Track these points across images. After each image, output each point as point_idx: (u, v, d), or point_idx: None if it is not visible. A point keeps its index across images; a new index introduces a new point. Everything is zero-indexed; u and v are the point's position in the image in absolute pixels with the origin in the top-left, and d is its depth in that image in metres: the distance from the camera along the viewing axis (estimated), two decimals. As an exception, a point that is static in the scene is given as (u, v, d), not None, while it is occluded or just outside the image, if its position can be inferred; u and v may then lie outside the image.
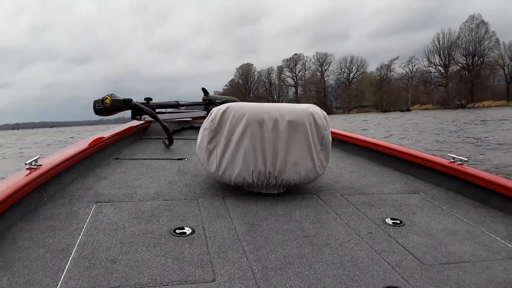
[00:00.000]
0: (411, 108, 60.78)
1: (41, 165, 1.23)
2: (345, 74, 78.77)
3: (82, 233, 1.00)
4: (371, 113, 59.68)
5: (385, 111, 62.90)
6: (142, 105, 2.19)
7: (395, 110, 62.31)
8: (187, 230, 1.05)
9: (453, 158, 1.54)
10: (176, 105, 2.57)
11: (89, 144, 1.62)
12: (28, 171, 1.17)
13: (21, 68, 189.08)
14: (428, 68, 64.07)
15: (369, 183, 1.57)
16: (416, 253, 1.00)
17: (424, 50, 64.01)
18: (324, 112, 1.40)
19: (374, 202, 1.35)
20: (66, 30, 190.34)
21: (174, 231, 1.04)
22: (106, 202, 1.22)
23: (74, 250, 0.92)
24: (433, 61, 63.27)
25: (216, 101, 2.65)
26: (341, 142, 2.17)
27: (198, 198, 1.31)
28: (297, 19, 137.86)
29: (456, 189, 1.49)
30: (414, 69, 65.87)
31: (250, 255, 0.94)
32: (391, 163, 1.82)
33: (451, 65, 61.75)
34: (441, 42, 61.86)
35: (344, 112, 71.22)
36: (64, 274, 0.82)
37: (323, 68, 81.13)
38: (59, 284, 0.78)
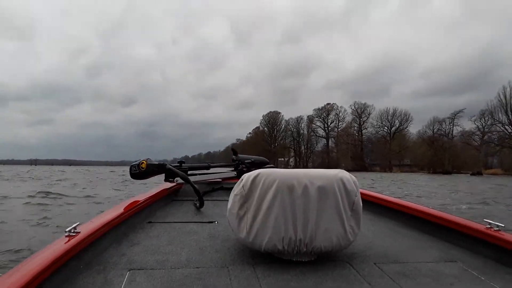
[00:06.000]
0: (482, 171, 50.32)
1: (79, 232, 1.28)
2: (386, 128, 69.74)
3: None
4: (422, 174, 49.10)
5: (445, 172, 52.55)
6: (176, 169, 2.34)
7: (459, 172, 51.88)
8: None
9: (489, 224, 1.46)
10: (207, 167, 2.78)
11: (124, 209, 1.70)
12: (67, 239, 1.22)
13: (67, 106, 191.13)
14: (494, 126, 54.00)
15: (403, 249, 1.51)
16: None
17: (487, 105, 54.36)
18: (354, 177, 1.38)
19: (409, 272, 1.28)
20: (120, 72, 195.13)
21: None
22: (139, 269, 1.25)
23: None
24: (498, 118, 53.35)
25: (246, 161, 2.80)
26: (371, 204, 2.14)
27: (228, 266, 1.30)
28: (342, 74, 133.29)
29: (495, 257, 1.40)
30: (488, 123, 54.93)
31: None
32: (423, 227, 1.75)
33: (521, 123, 51.38)
34: (507, 97, 52.39)
35: (385, 170, 60.93)
36: None
37: (361, 119, 72.70)
38: None
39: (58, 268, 1.07)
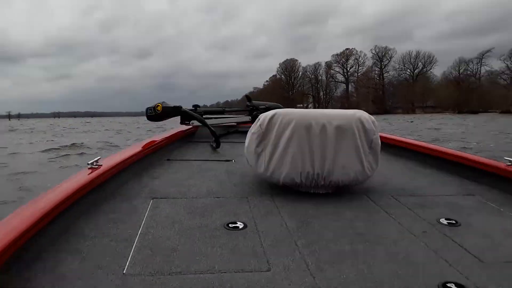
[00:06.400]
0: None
1: (101, 165, 1.31)
2: (409, 71, 67.23)
3: (142, 225, 1.07)
4: (451, 114, 48.15)
5: (472, 112, 51.02)
6: (191, 112, 2.39)
7: (486, 111, 50.57)
8: (240, 225, 1.08)
9: (510, 161, 1.47)
10: (222, 111, 2.84)
11: (142, 147, 1.74)
12: (90, 170, 1.26)
13: (83, 61, 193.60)
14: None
15: (421, 185, 1.53)
16: (474, 251, 0.97)
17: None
18: (372, 117, 1.40)
19: (427, 203, 1.30)
20: (133, 26, 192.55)
21: (227, 225, 1.08)
22: (162, 198, 1.28)
23: (136, 239, 0.98)
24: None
25: (260, 107, 2.88)
26: (390, 146, 2.16)
27: (247, 196, 1.33)
28: (362, 19, 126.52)
29: None
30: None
31: (303, 250, 0.96)
32: (442, 166, 1.76)
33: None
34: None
35: (408, 112, 59.86)
36: (129, 260, 0.88)
37: (382, 63, 70.04)
38: (125, 269, 0.84)
39: (83, 196, 1.10)
